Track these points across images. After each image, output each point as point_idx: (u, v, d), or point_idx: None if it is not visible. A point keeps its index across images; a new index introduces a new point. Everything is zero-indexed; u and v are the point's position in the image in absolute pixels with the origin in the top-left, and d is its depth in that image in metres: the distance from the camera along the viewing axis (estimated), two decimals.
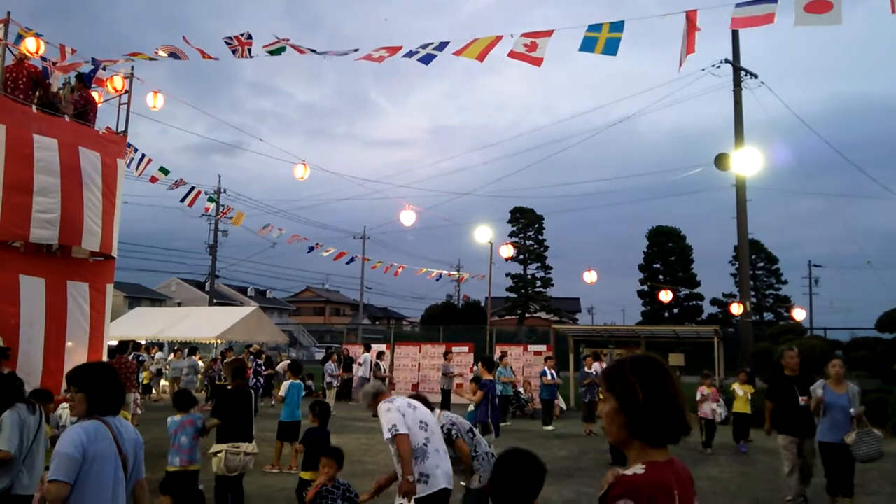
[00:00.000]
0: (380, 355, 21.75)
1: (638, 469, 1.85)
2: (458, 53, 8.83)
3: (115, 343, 15.77)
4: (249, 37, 10.61)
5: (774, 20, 7.26)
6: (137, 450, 3.45)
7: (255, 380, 19.17)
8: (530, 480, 2.49)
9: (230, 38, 10.66)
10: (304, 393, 11.42)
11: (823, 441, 7.63)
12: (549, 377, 16.96)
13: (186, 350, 21.26)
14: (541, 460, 2.70)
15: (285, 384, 10.78)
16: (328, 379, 19.49)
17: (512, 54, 8.39)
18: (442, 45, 9.10)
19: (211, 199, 27.81)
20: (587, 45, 8.06)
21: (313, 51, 10.27)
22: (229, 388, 7.43)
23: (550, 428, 16.13)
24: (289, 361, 13.39)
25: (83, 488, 3.14)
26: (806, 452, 8.06)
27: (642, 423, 1.88)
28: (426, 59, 9.14)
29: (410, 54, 9.19)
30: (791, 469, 8.07)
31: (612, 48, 7.98)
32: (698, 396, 13.25)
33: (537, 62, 8.34)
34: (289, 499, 8.20)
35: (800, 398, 7.87)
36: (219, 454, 6.89)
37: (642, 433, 1.89)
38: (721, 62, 19.67)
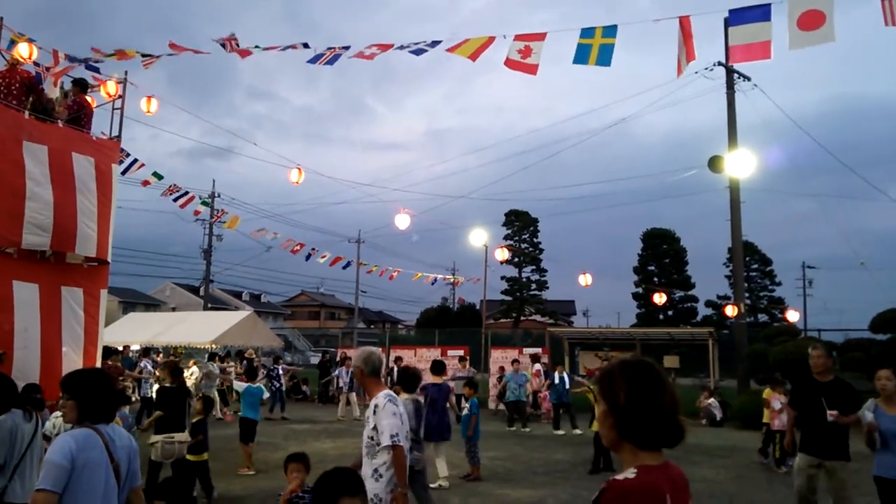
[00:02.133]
0: (397, 360, 20.96)
1: (629, 474, 1.87)
2: (451, 50, 8.99)
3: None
4: (236, 41, 10.88)
5: (771, 55, 7.41)
6: (131, 457, 3.42)
7: (274, 384, 19.10)
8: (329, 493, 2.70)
9: (221, 41, 10.88)
10: (265, 395, 12.45)
11: (883, 477, 5.76)
12: (558, 380, 16.69)
13: (206, 356, 20.97)
14: (351, 476, 2.84)
15: (242, 386, 11.37)
16: (342, 385, 19.32)
17: (508, 63, 8.56)
18: (434, 44, 9.33)
19: (204, 203, 27.79)
20: (581, 57, 8.16)
21: (305, 45, 10.42)
22: (168, 385, 8.49)
23: (560, 432, 16.01)
24: (247, 366, 14.09)
25: (72, 497, 3.10)
26: (834, 481, 6.22)
27: (627, 424, 1.92)
28: (417, 52, 9.48)
29: (402, 47, 9.46)
30: (801, 500, 6.46)
31: (605, 58, 8.07)
32: (777, 406, 11.19)
33: (532, 70, 8.49)
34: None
35: (828, 412, 6.13)
36: (156, 444, 7.93)
37: (629, 435, 1.92)
38: (714, 65, 19.70)
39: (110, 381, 3.57)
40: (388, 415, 4.52)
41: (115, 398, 3.52)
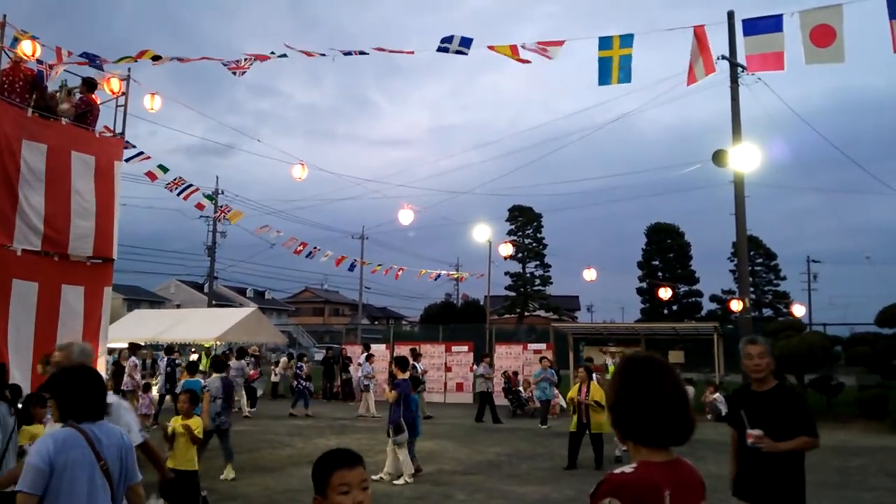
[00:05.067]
0: (416, 357, 19.15)
1: (627, 468, 1.89)
2: (491, 48, 9.27)
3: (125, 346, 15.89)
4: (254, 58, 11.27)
5: (784, 66, 7.55)
6: (124, 454, 3.35)
7: (299, 383, 19.13)
8: None
9: (228, 61, 11.32)
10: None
11: None
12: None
13: (235, 353, 20.89)
14: None
15: (181, 383, 11.23)
16: (365, 381, 19.21)
17: (526, 48, 8.87)
18: (466, 41, 9.62)
19: (209, 198, 27.85)
20: (604, 76, 8.43)
21: (322, 54, 10.83)
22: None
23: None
24: (188, 361, 14.00)
25: (54, 498, 3.08)
26: None
27: (622, 420, 1.95)
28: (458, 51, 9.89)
29: (443, 49, 9.73)
30: None
31: (626, 75, 8.32)
32: None
33: (548, 56, 8.80)
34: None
35: (748, 432, 4.07)
36: None
37: (626, 431, 1.95)
38: (718, 58, 19.55)
39: (94, 378, 3.47)
40: (127, 412, 4.32)
41: (100, 396, 3.41)
